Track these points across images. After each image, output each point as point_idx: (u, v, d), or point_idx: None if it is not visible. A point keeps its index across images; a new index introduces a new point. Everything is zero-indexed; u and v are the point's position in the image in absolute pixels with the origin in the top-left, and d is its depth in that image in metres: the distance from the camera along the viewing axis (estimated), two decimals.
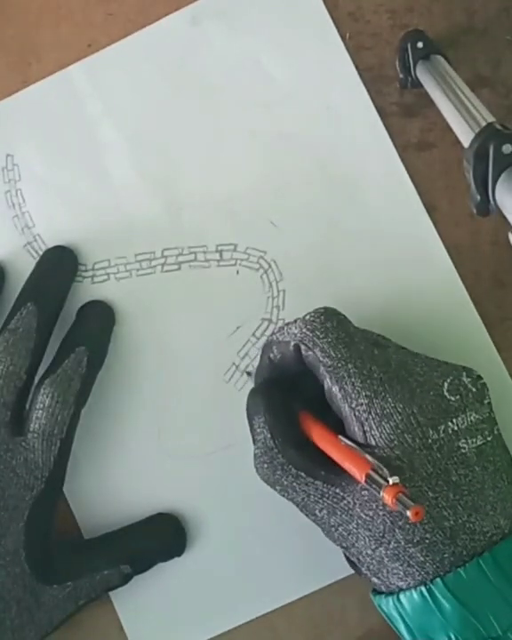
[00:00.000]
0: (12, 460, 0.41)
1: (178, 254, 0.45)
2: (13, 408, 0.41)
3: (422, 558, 0.35)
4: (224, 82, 0.46)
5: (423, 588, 0.35)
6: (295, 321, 0.39)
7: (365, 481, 0.34)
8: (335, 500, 0.36)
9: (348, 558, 0.38)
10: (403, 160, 0.45)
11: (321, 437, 0.38)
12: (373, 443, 0.36)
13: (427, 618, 0.35)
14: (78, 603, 0.41)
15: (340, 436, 0.37)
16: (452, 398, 0.37)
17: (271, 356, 0.40)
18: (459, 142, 0.36)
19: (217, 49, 0.46)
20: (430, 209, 0.44)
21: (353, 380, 0.36)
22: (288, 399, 0.40)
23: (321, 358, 0.37)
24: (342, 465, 0.36)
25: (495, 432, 0.37)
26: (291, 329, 0.38)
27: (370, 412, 0.36)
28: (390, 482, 0.33)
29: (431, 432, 0.36)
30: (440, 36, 0.44)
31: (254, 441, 0.39)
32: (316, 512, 0.37)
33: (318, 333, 0.37)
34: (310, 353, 0.37)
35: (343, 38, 0.45)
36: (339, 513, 0.36)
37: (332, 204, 0.45)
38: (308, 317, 0.38)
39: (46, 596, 0.41)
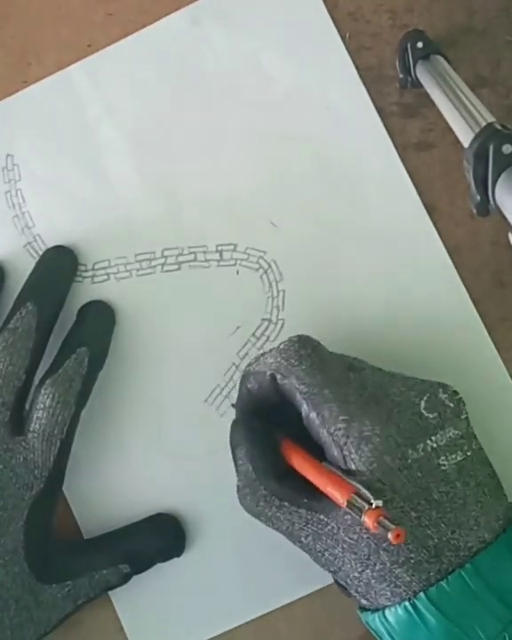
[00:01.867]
0: (11, 459, 0.41)
1: (178, 254, 0.45)
2: (13, 408, 0.41)
3: (408, 578, 0.35)
4: (224, 82, 0.46)
5: (407, 603, 0.35)
6: (270, 351, 0.39)
7: (346, 506, 0.34)
8: (319, 526, 0.36)
9: (336, 582, 0.38)
10: (403, 160, 0.45)
11: (301, 464, 0.38)
12: (353, 466, 0.36)
13: (413, 632, 0.35)
14: (77, 602, 0.41)
15: (324, 463, 0.37)
16: (430, 416, 0.37)
17: (249, 386, 0.40)
18: (459, 142, 0.36)
19: (217, 49, 0.46)
20: (430, 209, 0.44)
21: (329, 404, 0.36)
22: (269, 429, 0.40)
23: (297, 385, 0.37)
24: (324, 491, 0.36)
25: (474, 447, 0.37)
26: (266, 359, 0.39)
27: (348, 436, 0.36)
28: (371, 505, 0.33)
29: (410, 451, 0.36)
30: (440, 36, 0.44)
31: (237, 473, 0.39)
32: (302, 539, 0.37)
33: (293, 361, 0.38)
34: (286, 381, 0.38)
35: (343, 38, 0.45)
36: (324, 538, 0.36)
37: (332, 204, 0.45)
38: (281, 346, 0.39)
39: (45, 596, 0.41)
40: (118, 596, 0.44)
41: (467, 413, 0.38)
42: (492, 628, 0.34)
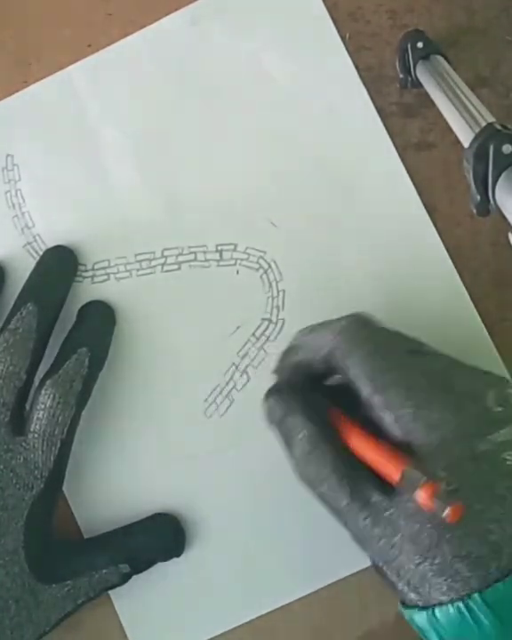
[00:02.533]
0: (11, 459, 0.41)
1: (178, 254, 0.45)
2: (13, 408, 0.41)
3: (468, 573, 0.34)
4: (224, 82, 0.46)
5: (461, 604, 0.33)
6: (325, 324, 0.38)
7: (401, 479, 0.33)
8: (379, 509, 0.35)
9: (378, 571, 0.36)
10: (403, 160, 0.45)
11: (354, 438, 0.36)
12: (419, 453, 0.34)
13: (464, 633, 0.34)
14: (77, 602, 0.41)
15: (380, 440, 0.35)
16: (498, 409, 0.36)
17: (299, 358, 0.39)
18: (459, 142, 0.36)
19: (217, 49, 0.46)
20: (430, 209, 0.44)
21: (396, 389, 0.35)
22: (322, 400, 0.39)
23: (362, 366, 0.36)
24: (378, 466, 0.34)
25: None
26: (323, 335, 0.37)
27: (416, 422, 0.35)
28: (424, 478, 0.31)
29: (478, 443, 0.35)
30: (440, 36, 0.44)
31: (290, 445, 0.38)
32: (359, 522, 0.35)
33: (356, 341, 0.36)
34: (347, 361, 0.36)
35: (343, 38, 0.45)
36: (383, 524, 0.35)
37: (333, 204, 0.45)
38: (343, 323, 0.37)
39: (45, 595, 0.41)
40: (119, 597, 0.44)
41: None
42: None
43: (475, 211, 0.34)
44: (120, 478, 0.44)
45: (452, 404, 0.35)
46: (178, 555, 0.43)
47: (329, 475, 0.36)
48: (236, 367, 0.44)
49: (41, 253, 0.45)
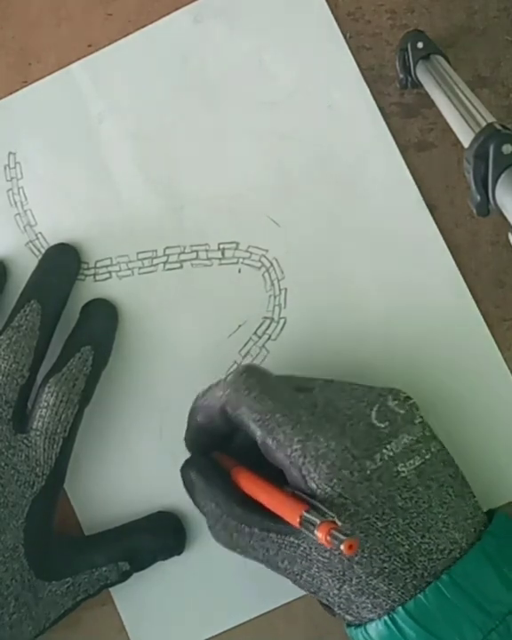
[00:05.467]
0: (13, 456, 0.41)
1: (180, 252, 0.45)
2: (15, 405, 0.41)
3: (385, 588, 0.35)
4: (226, 80, 0.46)
5: (387, 618, 0.35)
6: (217, 384, 0.39)
7: (300, 524, 0.34)
8: (292, 548, 0.36)
9: (321, 602, 0.38)
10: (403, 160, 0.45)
11: (252, 488, 0.38)
12: (314, 485, 0.36)
13: None
14: (76, 599, 0.42)
15: (286, 487, 0.37)
16: (382, 425, 0.37)
17: (199, 420, 0.40)
18: (459, 142, 0.36)
19: (219, 47, 0.46)
20: (430, 209, 0.44)
21: (283, 428, 0.37)
22: (219, 461, 0.41)
23: (249, 414, 0.37)
24: (277, 512, 0.36)
25: (433, 449, 0.38)
26: (214, 393, 0.39)
27: (305, 456, 0.36)
28: (322, 520, 0.33)
29: (368, 463, 0.36)
30: (440, 36, 0.44)
31: (203, 513, 0.40)
32: (279, 564, 0.37)
33: (242, 391, 0.38)
34: (237, 411, 0.38)
35: (344, 38, 0.45)
36: (298, 560, 0.36)
37: (334, 203, 0.45)
38: (229, 379, 0.39)
39: (44, 592, 0.41)
40: (120, 596, 0.44)
41: (421, 417, 0.38)
42: (473, 636, 0.35)
43: (475, 211, 0.34)
44: (122, 476, 0.44)
45: (337, 431, 0.36)
46: (178, 553, 0.43)
47: (237, 539, 0.38)
48: (238, 366, 0.44)
49: (43, 251, 0.45)
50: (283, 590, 0.43)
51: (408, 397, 0.39)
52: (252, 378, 0.38)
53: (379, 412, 0.37)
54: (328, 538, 0.33)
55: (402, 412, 0.38)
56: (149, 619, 0.44)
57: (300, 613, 0.43)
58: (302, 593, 0.43)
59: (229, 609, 0.43)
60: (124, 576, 0.42)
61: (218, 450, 0.41)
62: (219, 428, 0.40)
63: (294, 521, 0.35)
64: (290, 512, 0.35)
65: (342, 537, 0.32)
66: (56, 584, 0.41)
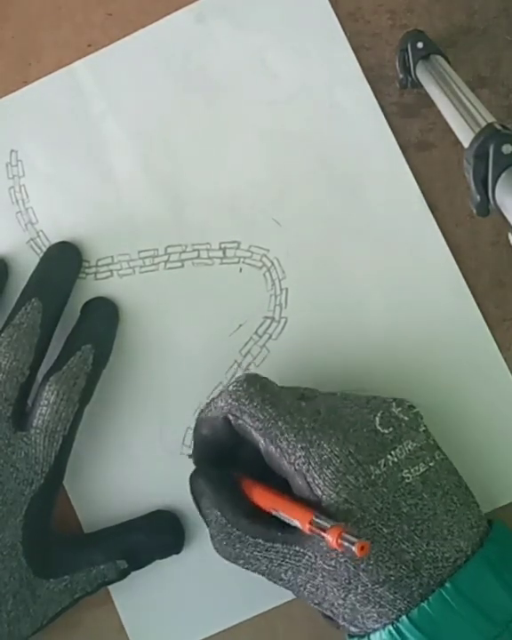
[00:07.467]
0: (12, 454, 0.41)
1: (181, 251, 0.45)
2: (15, 403, 0.41)
3: (391, 596, 0.35)
4: (228, 79, 0.46)
5: (391, 627, 0.35)
6: (219, 395, 0.39)
7: (310, 529, 0.34)
8: (297, 558, 0.36)
9: (323, 615, 0.38)
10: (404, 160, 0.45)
11: (261, 498, 0.38)
12: (319, 492, 0.36)
13: None
14: (74, 596, 0.42)
15: (287, 494, 0.37)
16: (386, 431, 0.37)
17: (204, 433, 0.40)
18: (459, 142, 0.36)
19: (222, 46, 0.46)
20: (430, 209, 0.44)
21: (286, 435, 0.37)
22: (228, 472, 0.40)
23: (251, 423, 0.37)
24: (288, 520, 0.36)
25: (437, 457, 0.38)
26: (216, 404, 0.39)
27: (309, 463, 0.36)
28: (329, 525, 0.33)
29: (372, 468, 0.36)
30: (440, 36, 0.45)
31: (207, 523, 0.40)
32: (282, 575, 0.37)
33: (243, 400, 0.38)
34: (240, 421, 0.38)
35: (346, 38, 0.45)
36: (303, 570, 0.36)
37: (336, 203, 0.45)
38: (230, 388, 0.39)
39: (42, 590, 0.41)
40: (119, 595, 0.44)
41: (425, 426, 0.38)
42: None
43: (475, 211, 0.34)
44: (121, 475, 0.44)
45: (341, 436, 0.37)
46: (177, 552, 0.43)
47: (241, 549, 0.38)
48: (239, 365, 0.44)
49: (45, 249, 0.45)
50: (282, 590, 0.43)
51: (412, 406, 0.39)
52: (253, 386, 0.38)
53: (382, 419, 0.38)
54: (339, 540, 0.33)
55: (406, 418, 0.38)
56: (149, 618, 0.44)
57: (299, 613, 0.43)
58: None
59: (228, 608, 0.43)
60: (122, 574, 0.42)
61: (224, 464, 0.41)
62: (223, 439, 0.39)
63: (304, 526, 0.35)
64: (300, 516, 0.35)
65: (354, 539, 0.32)
66: (54, 582, 0.41)
